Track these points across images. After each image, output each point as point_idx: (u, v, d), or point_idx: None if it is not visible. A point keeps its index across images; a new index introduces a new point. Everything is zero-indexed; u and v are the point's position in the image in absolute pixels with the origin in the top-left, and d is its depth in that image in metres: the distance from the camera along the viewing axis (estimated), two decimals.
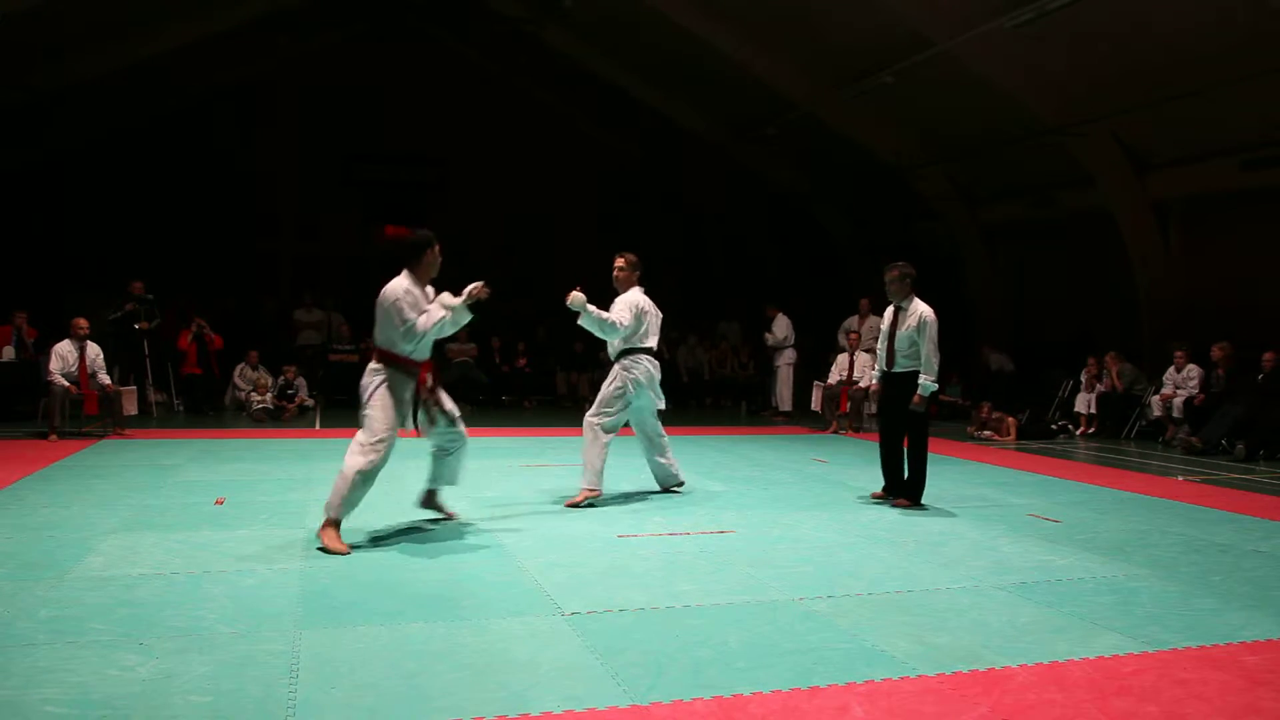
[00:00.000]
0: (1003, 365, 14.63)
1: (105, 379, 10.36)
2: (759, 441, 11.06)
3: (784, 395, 13.72)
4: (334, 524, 5.21)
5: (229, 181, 17.65)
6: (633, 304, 6.79)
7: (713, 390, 16.40)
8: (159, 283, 13.44)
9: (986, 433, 11.66)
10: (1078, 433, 12.40)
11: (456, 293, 5.42)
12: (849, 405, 12.14)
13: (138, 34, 13.86)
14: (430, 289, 5.54)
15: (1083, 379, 12.63)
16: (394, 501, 6.59)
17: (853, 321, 13.53)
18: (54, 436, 9.74)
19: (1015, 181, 14.67)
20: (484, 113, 18.85)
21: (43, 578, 4.44)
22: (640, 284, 6.98)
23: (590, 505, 6.64)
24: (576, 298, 6.54)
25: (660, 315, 7.04)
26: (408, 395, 5.42)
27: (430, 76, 18.45)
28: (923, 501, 6.86)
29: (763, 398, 14.67)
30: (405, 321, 5.29)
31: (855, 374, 12.25)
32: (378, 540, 5.42)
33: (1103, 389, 12.41)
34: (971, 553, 5.39)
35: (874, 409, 13.81)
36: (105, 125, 16.70)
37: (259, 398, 12.66)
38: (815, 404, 12.95)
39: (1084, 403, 12.54)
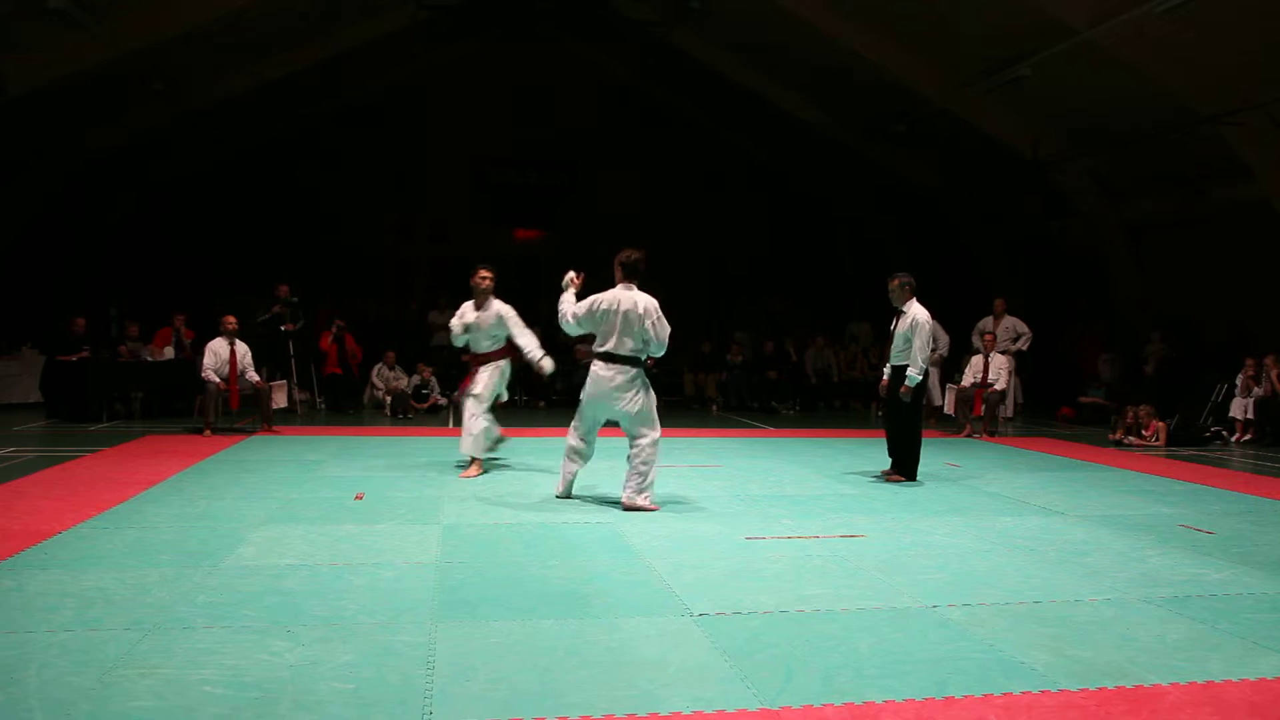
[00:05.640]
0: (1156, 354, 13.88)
1: (254, 376, 10.88)
2: None
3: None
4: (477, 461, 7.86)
5: (365, 188, 18.35)
6: (591, 300, 6.45)
7: (842, 392, 16.14)
8: (302, 286, 14.07)
9: (1130, 439, 11.11)
10: (1233, 439, 11.69)
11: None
12: (983, 408, 11.77)
13: (280, 52, 14.56)
14: (496, 304, 7.65)
15: (1239, 382, 11.90)
16: (525, 502, 6.73)
17: (987, 322, 13.08)
18: (208, 432, 10.31)
19: (1164, 174, 13.92)
20: (612, 116, 19.09)
21: (200, 565, 4.71)
22: (631, 282, 6.41)
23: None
24: (566, 278, 6.71)
25: (649, 318, 6.30)
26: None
27: (559, 81, 18.78)
28: (918, 476, 7.91)
29: None
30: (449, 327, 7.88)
31: (990, 376, 11.86)
32: (509, 538, 5.54)
33: (1261, 393, 11.67)
34: (1116, 563, 5.15)
35: (1010, 412, 13.44)
36: (251, 138, 17.62)
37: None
38: (949, 407, 12.60)
39: (1240, 408, 11.80)
